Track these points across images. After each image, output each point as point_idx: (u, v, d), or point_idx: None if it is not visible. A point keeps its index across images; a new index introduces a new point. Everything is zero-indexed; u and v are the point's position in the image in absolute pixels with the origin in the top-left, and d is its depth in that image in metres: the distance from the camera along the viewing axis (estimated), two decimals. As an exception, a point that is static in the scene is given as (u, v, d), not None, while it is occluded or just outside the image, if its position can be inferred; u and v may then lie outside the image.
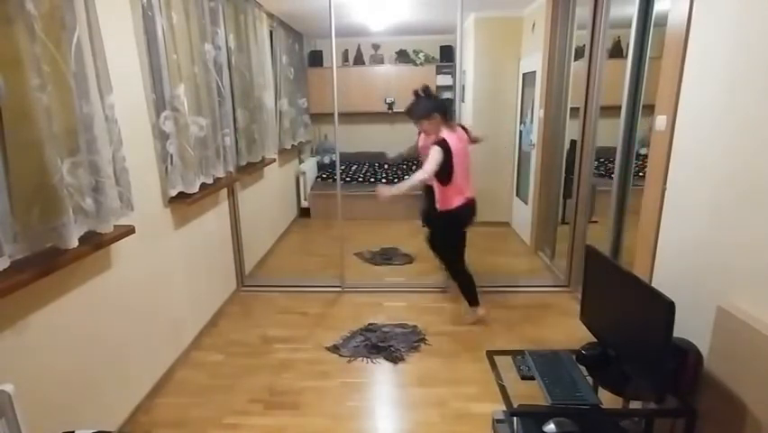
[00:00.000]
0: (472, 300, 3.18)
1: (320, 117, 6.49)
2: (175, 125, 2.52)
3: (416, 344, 2.90)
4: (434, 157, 2.81)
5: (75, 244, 1.70)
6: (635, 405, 1.87)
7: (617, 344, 1.77)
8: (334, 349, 2.87)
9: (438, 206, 3.04)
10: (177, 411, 2.35)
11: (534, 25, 4.44)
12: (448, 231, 3.15)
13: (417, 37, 6.22)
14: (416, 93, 2.99)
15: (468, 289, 3.18)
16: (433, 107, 2.93)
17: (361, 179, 6.02)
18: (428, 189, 3.12)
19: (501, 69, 4.99)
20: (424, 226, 3.45)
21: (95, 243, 1.85)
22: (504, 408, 1.68)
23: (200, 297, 3.07)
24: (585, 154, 3.36)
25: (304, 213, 6.00)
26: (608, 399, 1.73)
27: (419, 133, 3.17)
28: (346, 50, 6.31)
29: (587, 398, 1.62)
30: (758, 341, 1.37)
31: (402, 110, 6.31)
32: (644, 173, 2.14)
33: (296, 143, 5.48)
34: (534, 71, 4.36)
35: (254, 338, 3.03)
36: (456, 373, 2.62)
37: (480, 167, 5.29)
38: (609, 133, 3.07)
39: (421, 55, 6.20)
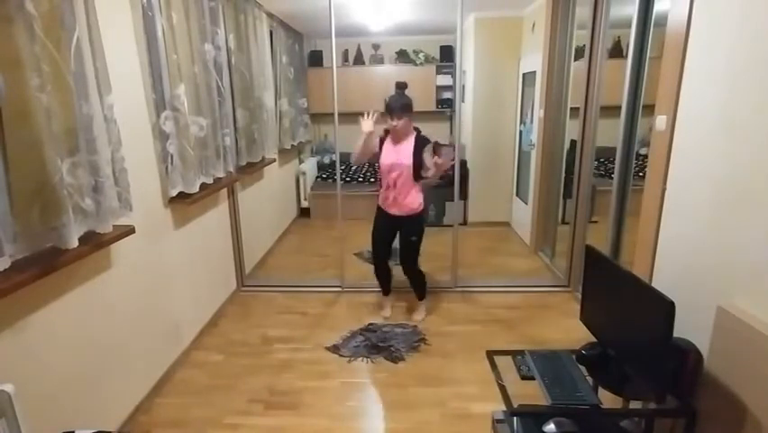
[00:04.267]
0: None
1: (320, 117, 6.49)
2: (175, 125, 2.52)
3: (416, 344, 2.90)
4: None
5: (75, 244, 1.70)
6: (635, 405, 1.87)
7: (616, 344, 1.77)
8: (334, 349, 2.87)
9: (417, 207, 2.98)
10: (177, 411, 2.35)
11: (534, 25, 4.44)
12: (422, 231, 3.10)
13: (417, 37, 6.22)
14: (401, 85, 2.93)
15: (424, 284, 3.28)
16: (410, 106, 2.88)
17: (361, 179, 6.02)
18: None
19: (501, 69, 4.99)
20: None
21: (94, 243, 1.85)
22: (504, 408, 1.68)
23: (200, 297, 3.07)
24: (585, 154, 3.36)
25: (304, 213, 6.00)
26: (608, 399, 1.73)
27: (384, 133, 2.99)
28: (346, 50, 6.30)
29: (587, 398, 1.62)
30: (758, 341, 1.37)
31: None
32: (644, 173, 2.14)
33: (296, 143, 5.48)
34: (534, 71, 4.36)
35: (254, 338, 3.03)
36: (456, 373, 2.62)
37: (480, 167, 5.31)
38: (609, 134, 3.07)
39: (421, 55, 6.20)
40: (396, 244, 3.18)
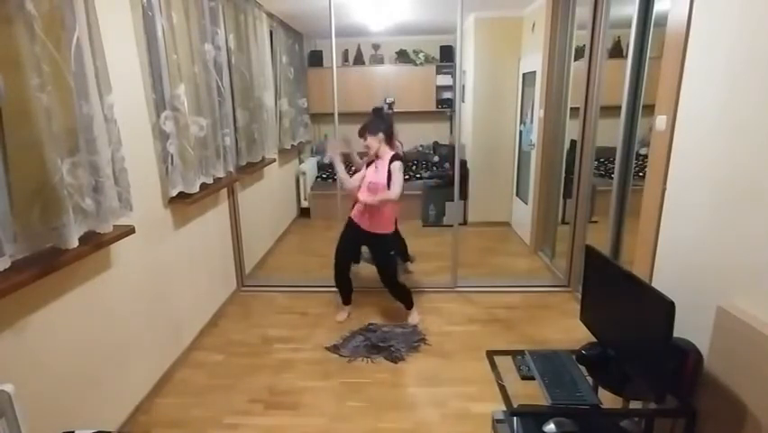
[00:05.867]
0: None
1: (320, 117, 6.49)
2: (175, 125, 2.52)
3: (415, 344, 2.90)
4: (400, 177, 2.89)
5: (75, 244, 1.70)
6: (635, 405, 1.87)
7: (617, 344, 1.77)
8: (334, 349, 2.87)
9: (387, 230, 3.10)
10: (177, 411, 2.35)
11: (534, 25, 4.44)
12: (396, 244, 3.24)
13: (417, 37, 6.22)
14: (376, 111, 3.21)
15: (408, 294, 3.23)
16: (377, 127, 2.98)
17: (361, 179, 6.02)
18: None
19: (501, 69, 4.99)
20: (424, 226, 3.45)
21: (94, 243, 1.85)
22: (504, 408, 1.68)
23: (200, 297, 3.07)
24: (585, 154, 3.36)
25: (304, 213, 6.00)
26: (608, 399, 1.73)
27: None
28: (346, 50, 6.30)
29: (587, 398, 1.62)
30: (758, 341, 1.37)
31: (403, 110, 6.33)
32: (644, 173, 2.14)
33: (296, 143, 5.48)
34: (534, 71, 4.36)
35: (254, 338, 3.03)
36: (456, 372, 2.62)
37: (480, 167, 5.31)
38: (609, 134, 3.07)
39: (421, 55, 6.20)
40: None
